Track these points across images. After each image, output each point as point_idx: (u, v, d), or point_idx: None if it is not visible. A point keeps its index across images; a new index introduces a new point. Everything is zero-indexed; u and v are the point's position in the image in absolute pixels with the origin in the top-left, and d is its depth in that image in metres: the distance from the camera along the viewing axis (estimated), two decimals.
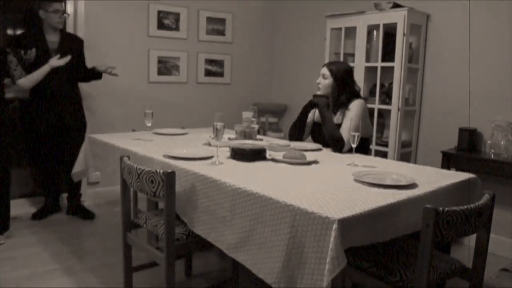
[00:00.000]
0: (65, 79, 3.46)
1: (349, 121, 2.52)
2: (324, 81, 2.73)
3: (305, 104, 2.83)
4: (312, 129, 2.94)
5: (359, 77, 3.71)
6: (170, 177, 1.88)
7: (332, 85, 2.71)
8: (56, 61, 3.25)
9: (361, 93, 2.94)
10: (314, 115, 2.94)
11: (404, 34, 3.38)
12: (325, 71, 2.74)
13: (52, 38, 3.43)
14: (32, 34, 3.43)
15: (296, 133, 2.89)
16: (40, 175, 3.66)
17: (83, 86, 3.80)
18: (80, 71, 3.59)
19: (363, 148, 2.65)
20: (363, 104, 2.69)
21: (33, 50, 3.27)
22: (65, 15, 3.53)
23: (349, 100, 2.69)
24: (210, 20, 4.58)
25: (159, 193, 1.92)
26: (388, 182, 1.81)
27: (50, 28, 3.41)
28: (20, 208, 3.70)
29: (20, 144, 3.58)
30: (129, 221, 2.24)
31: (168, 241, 1.94)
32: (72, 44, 3.53)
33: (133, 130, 3.24)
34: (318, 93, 2.77)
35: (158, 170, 1.91)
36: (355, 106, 2.65)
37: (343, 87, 2.71)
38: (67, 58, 3.29)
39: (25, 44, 3.30)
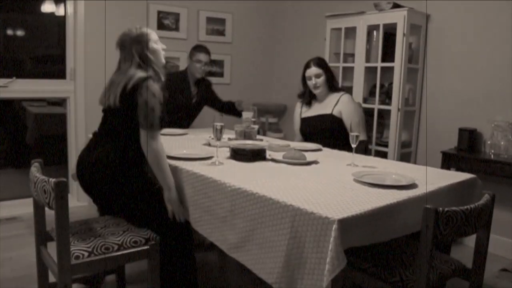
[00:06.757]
0: None
1: (353, 118, 2.72)
2: (320, 80, 2.96)
3: None
4: (301, 125, 3.12)
5: (359, 77, 3.72)
6: (61, 187, 1.55)
7: (327, 79, 2.98)
8: None
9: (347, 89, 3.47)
10: (301, 109, 3.15)
11: (404, 34, 3.38)
12: (316, 70, 2.96)
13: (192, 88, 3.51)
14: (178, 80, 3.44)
15: None
16: None
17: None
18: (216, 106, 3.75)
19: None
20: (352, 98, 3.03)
21: None
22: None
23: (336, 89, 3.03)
24: (210, 20, 4.58)
25: (51, 205, 1.62)
26: (388, 182, 1.81)
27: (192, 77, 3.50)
28: (20, 208, 3.70)
29: None
30: (43, 233, 1.91)
31: (62, 263, 1.59)
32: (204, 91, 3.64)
33: None
34: (317, 92, 2.99)
35: (49, 179, 1.63)
36: (352, 103, 2.95)
37: (331, 75, 3.01)
38: None
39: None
